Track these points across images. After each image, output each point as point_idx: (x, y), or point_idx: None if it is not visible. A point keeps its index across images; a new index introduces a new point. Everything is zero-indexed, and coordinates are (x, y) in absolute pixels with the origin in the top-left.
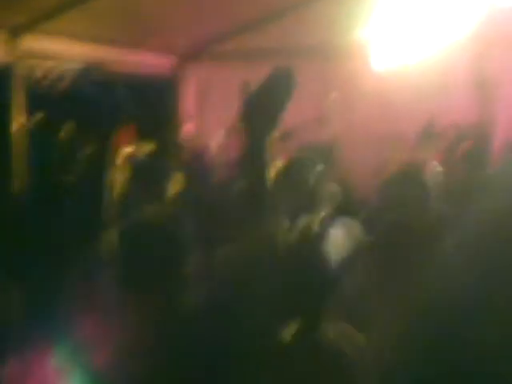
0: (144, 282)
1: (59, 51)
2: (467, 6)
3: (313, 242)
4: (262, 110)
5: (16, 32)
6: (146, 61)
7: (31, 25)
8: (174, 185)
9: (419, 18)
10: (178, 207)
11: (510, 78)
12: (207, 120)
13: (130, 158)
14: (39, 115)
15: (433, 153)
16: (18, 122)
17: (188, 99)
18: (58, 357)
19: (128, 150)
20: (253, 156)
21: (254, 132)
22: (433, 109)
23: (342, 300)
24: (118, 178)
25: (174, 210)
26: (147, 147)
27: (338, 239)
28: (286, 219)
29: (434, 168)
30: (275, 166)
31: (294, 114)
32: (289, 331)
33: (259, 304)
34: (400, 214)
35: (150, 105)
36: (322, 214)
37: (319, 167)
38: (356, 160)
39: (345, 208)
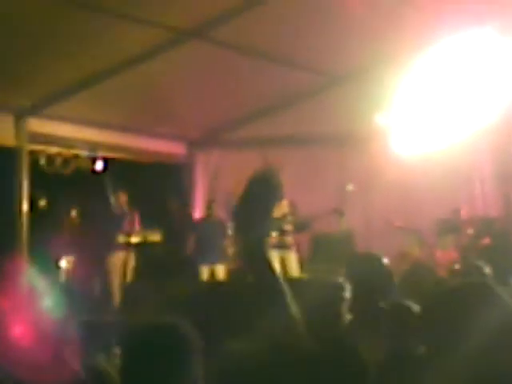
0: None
1: (65, 135)
2: (492, 94)
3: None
4: (248, 218)
5: (22, 115)
6: (157, 147)
7: (38, 108)
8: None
9: (441, 104)
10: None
11: None
12: (217, 205)
13: (139, 245)
14: (43, 200)
15: (451, 247)
16: (23, 204)
17: (198, 185)
18: (29, 276)
19: (137, 236)
20: (251, 256)
21: (247, 237)
22: (453, 200)
23: None
24: (124, 263)
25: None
26: (154, 235)
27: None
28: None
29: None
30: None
31: (311, 203)
32: None
33: None
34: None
35: (158, 191)
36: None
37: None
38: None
39: None
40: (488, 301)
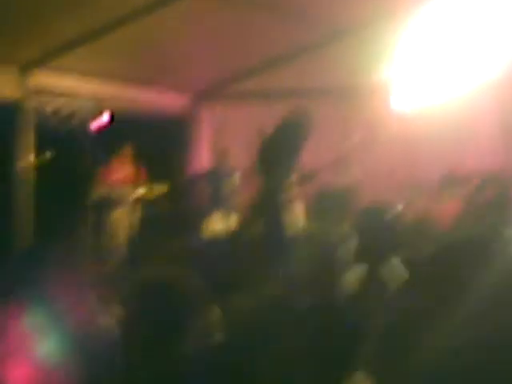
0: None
1: (70, 88)
2: (494, 48)
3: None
4: (277, 153)
5: (26, 68)
6: (160, 99)
7: (42, 61)
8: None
9: (444, 58)
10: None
11: None
12: (222, 159)
13: (141, 199)
14: (47, 153)
15: (455, 200)
16: (26, 158)
17: (203, 139)
18: (31, 319)
19: (139, 191)
20: (269, 199)
21: (270, 174)
22: (456, 153)
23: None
24: (125, 218)
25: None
26: (159, 189)
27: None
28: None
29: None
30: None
31: (313, 157)
32: None
33: (274, 356)
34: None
35: (163, 144)
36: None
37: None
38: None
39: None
40: (494, 254)
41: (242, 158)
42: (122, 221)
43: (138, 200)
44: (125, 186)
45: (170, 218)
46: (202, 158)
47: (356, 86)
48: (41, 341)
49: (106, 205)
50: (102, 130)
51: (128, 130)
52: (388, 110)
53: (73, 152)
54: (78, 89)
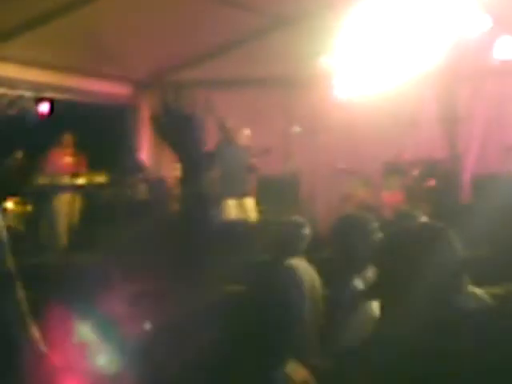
0: None
1: (10, 77)
2: (434, 37)
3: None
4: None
5: None
6: (102, 88)
7: None
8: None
9: (384, 47)
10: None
11: (477, 111)
12: (164, 148)
13: (85, 186)
14: None
15: (396, 189)
16: None
17: (144, 127)
18: (81, 331)
19: (80, 180)
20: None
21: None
22: (398, 142)
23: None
24: (69, 205)
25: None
26: (100, 177)
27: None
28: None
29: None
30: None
31: (256, 145)
32: (250, 369)
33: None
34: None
35: (105, 133)
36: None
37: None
38: (318, 194)
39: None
40: (435, 243)
41: None
42: (63, 209)
43: (81, 188)
44: (65, 174)
45: (110, 208)
46: (143, 147)
47: (298, 75)
48: (95, 351)
49: (47, 193)
50: (42, 118)
51: (69, 119)
52: (330, 99)
53: (11, 142)
54: (19, 78)
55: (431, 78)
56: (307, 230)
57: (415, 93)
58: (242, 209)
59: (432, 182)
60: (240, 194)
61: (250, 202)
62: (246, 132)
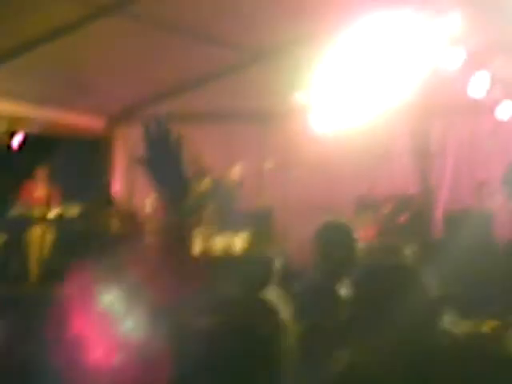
0: None
1: None
2: (409, 71)
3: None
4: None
5: None
6: (76, 121)
7: None
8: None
9: (359, 82)
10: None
11: (450, 146)
12: (137, 181)
13: (57, 219)
14: None
15: (368, 224)
16: None
17: (118, 160)
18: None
19: (54, 211)
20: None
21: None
22: (371, 177)
23: None
24: (41, 237)
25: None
26: (74, 209)
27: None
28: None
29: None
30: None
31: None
32: None
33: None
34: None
35: (78, 165)
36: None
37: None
38: (290, 229)
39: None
40: (407, 284)
41: None
42: (35, 242)
43: (53, 220)
44: (39, 206)
45: (85, 238)
46: (117, 180)
47: (274, 109)
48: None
49: (20, 224)
50: (16, 151)
51: (43, 151)
52: (304, 134)
53: None
54: None
55: (404, 112)
56: (278, 265)
57: (388, 127)
58: (231, 244)
59: (405, 218)
60: (230, 230)
61: (239, 238)
62: (238, 168)
